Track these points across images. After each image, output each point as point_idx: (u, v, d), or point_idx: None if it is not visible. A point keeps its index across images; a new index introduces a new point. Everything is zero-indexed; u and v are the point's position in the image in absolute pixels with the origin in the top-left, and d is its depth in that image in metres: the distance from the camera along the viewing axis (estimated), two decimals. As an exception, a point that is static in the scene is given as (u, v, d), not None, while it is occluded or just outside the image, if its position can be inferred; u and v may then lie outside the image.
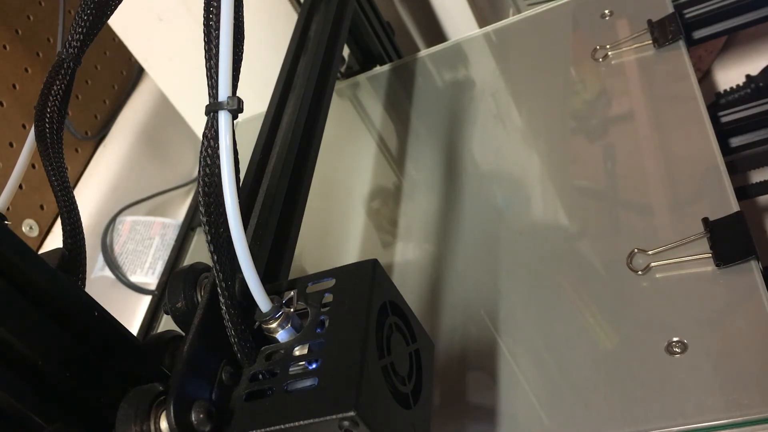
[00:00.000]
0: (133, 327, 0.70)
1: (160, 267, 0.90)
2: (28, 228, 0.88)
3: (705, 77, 0.82)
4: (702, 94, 0.55)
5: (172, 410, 0.30)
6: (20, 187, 0.56)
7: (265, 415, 0.31)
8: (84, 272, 0.39)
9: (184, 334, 0.37)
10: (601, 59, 0.63)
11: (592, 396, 0.42)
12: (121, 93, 1.08)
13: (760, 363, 0.39)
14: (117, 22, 0.85)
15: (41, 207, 0.90)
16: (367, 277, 0.34)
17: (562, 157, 0.59)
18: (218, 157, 0.33)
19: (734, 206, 0.46)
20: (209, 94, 0.34)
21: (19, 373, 0.30)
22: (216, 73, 0.34)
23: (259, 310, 0.34)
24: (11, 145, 0.88)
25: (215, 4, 0.34)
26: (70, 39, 0.38)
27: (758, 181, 0.65)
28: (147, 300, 0.86)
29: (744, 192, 0.64)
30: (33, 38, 0.94)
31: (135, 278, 0.90)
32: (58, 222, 0.68)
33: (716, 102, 0.66)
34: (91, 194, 0.95)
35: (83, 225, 0.39)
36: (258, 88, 0.60)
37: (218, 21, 0.34)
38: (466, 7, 0.83)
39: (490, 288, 0.52)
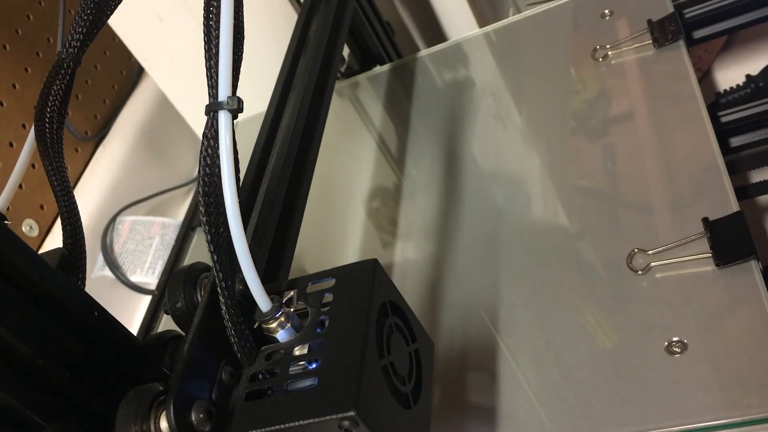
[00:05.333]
0: (133, 327, 0.70)
1: (160, 267, 0.90)
2: (28, 228, 0.88)
3: (705, 77, 0.82)
4: (702, 94, 0.55)
5: (172, 410, 0.30)
6: (20, 187, 0.56)
7: (265, 415, 0.31)
8: (84, 272, 0.39)
9: (184, 334, 0.37)
10: (601, 59, 0.63)
11: (592, 396, 0.42)
12: (121, 93, 1.08)
13: (760, 363, 0.39)
14: (117, 22, 0.85)
15: (41, 207, 0.90)
16: (367, 277, 0.34)
17: (562, 157, 0.59)
18: (218, 157, 0.33)
19: (734, 206, 0.46)
20: (209, 93, 0.34)
21: (19, 373, 0.30)
22: (216, 72, 0.34)
23: (259, 310, 0.34)
24: (11, 145, 0.88)
25: (215, 4, 0.34)
26: (70, 39, 0.38)
27: (758, 181, 0.65)
28: (147, 300, 0.86)
29: (744, 192, 0.64)
30: (33, 38, 0.94)
31: (135, 278, 0.90)
32: (58, 222, 0.68)
33: (716, 102, 0.66)
34: (91, 194, 0.95)
35: (83, 225, 0.39)
36: (258, 88, 0.60)
37: (218, 21, 0.34)
38: (466, 7, 0.83)
39: (490, 288, 0.52)
